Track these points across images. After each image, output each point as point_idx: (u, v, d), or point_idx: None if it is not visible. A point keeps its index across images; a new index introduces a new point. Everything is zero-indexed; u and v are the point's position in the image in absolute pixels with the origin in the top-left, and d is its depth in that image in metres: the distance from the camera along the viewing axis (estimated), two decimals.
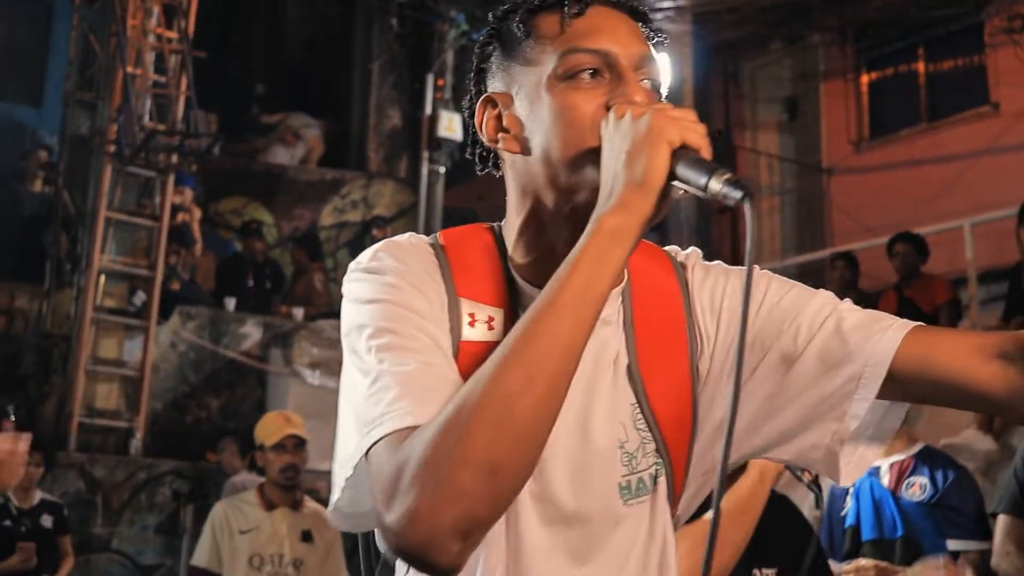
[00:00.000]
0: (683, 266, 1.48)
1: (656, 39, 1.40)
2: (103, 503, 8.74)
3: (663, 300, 1.44)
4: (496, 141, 1.40)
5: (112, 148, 9.69)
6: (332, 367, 9.92)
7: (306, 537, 5.13)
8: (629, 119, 1.24)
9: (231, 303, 10.58)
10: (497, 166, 1.47)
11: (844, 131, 12.47)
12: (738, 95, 13.53)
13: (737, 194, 1.17)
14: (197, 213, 11.65)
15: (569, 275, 1.19)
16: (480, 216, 14.30)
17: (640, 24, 1.39)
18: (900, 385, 1.35)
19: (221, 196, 13.16)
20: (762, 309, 1.42)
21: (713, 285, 1.46)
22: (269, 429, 5.15)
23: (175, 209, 10.56)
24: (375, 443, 1.19)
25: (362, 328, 1.28)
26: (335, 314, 11.21)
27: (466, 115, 1.47)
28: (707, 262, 1.51)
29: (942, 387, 1.34)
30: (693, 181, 1.21)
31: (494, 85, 1.42)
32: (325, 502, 5.63)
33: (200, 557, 5.07)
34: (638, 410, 1.38)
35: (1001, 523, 3.47)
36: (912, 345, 1.34)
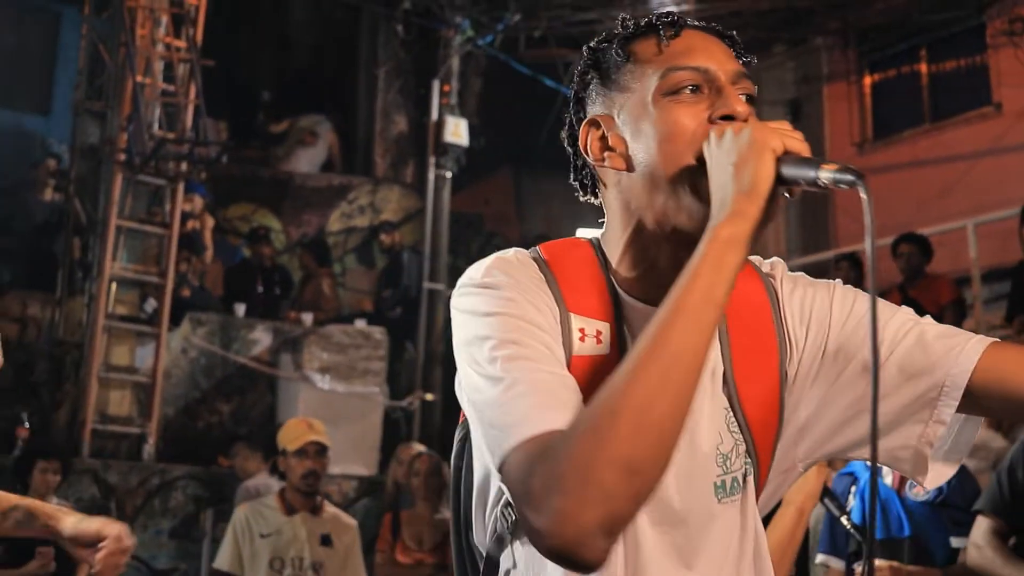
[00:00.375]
0: (771, 276, 1.56)
1: (746, 59, 1.49)
2: (117, 508, 8.81)
3: (753, 308, 1.51)
4: (602, 160, 1.47)
5: (122, 157, 9.76)
6: (341, 371, 10.00)
7: (325, 541, 5.22)
8: (731, 135, 1.33)
9: (241, 309, 10.66)
10: (595, 193, 1.54)
11: (847, 132, 12.51)
12: None
13: (849, 178, 1.25)
14: (210, 222, 11.74)
15: (691, 282, 1.26)
16: (486, 219, 14.39)
17: (729, 44, 1.48)
18: (978, 399, 1.42)
19: (229, 203, 13.26)
20: (849, 320, 1.50)
21: (802, 296, 1.54)
22: (291, 435, 5.24)
23: (185, 216, 10.65)
24: (514, 447, 1.25)
25: (485, 339, 1.35)
26: (344, 319, 11.31)
27: (567, 143, 1.54)
28: (792, 273, 1.58)
29: (1017, 402, 1.40)
30: (802, 177, 1.29)
31: (595, 110, 1.50)
32: (337, 506, 5.71)
33: (222, 560, 5.16)
34: (731, 414, 1.46)
35: (979, 521, 3.59)
36: (992, 359, 1.41)
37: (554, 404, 1.27)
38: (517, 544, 1.43)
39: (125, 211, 9.89)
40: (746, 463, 1.47)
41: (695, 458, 1.42)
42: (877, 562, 3.65)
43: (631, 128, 1.44)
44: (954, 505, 3.93)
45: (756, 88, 1.46)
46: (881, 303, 1.50)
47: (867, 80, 12.58)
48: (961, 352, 1.42)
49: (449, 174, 12.24)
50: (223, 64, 10.92)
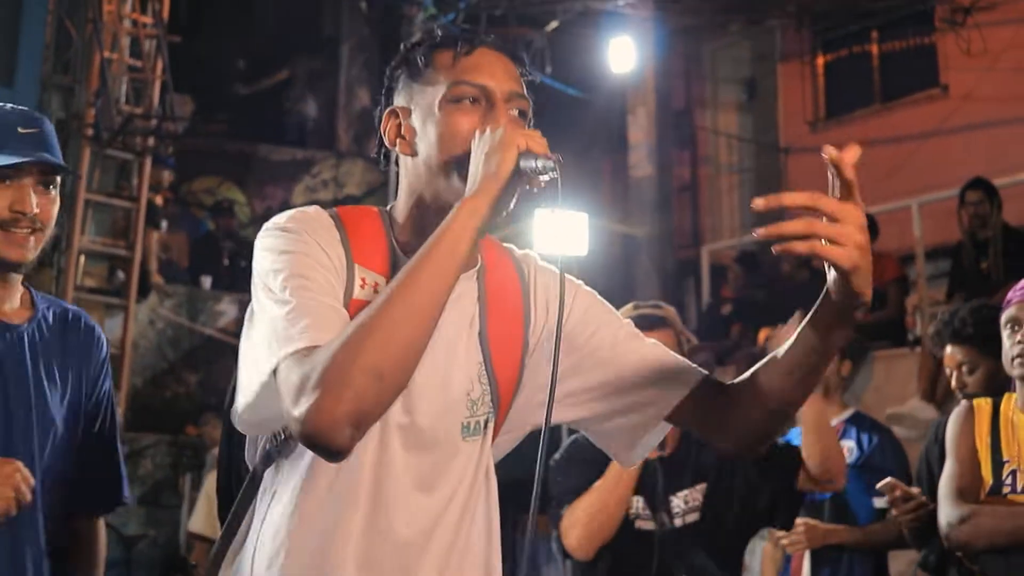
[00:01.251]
0: (523, 262, 1.93)
1: (528, 78, 1.82)
2: None
3: (508, 284, 1.88)
4: (395, 144, 1.80)
5: (90, 131, 9.89)
6: None
7: None
8: (488, 132, 1.66)
9: (207, 281, 10.83)
10: (396, 163, 1.86)
11: (801, 111, 12.69)
12: (699, 76, 13.75)
13: (550, 164, 1.61)
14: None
15: (440, 237, 1.58)
16: None
17: (516, 65, 1.80)
18: (676, 423, 1.90)
19: (194, 176, 13.37)
20: (581, 317, 1.89)
21: (545, 281, 1.91)
22: None
23: (153, 190, 10.76)
24: (288, 354, 1.53)
25: (278, 272, 1.64)
26: None
27: (376, 123, 1.86)
28: (542, 264, 1.95)
29: (707, 432, 1.91)
30: (526, 167, 1.62)
31: (398, 100, 1.82)
32: None
33: (196, 523, 5.36)
34: (483, 368, 1.80)
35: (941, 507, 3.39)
36: (692, 397, 1.85)
37: (326, 326, 1.56)
38: (283, 462, 1.73)
39: (93, 185, 10.03)
40: (488, 411, 1.80)
41: (447, 398, 1.74)
42: (797, 521, 3.85)
43: (420, 123, 1.76)
44: (875, 467, 4.09)
45: (530, 104, 1.79)
46: (610, 310, 1.92)
47: (820, 60, 12.79)
48: (672, 384, 1.84)
49: None
50: (189, 40, 11.02)
